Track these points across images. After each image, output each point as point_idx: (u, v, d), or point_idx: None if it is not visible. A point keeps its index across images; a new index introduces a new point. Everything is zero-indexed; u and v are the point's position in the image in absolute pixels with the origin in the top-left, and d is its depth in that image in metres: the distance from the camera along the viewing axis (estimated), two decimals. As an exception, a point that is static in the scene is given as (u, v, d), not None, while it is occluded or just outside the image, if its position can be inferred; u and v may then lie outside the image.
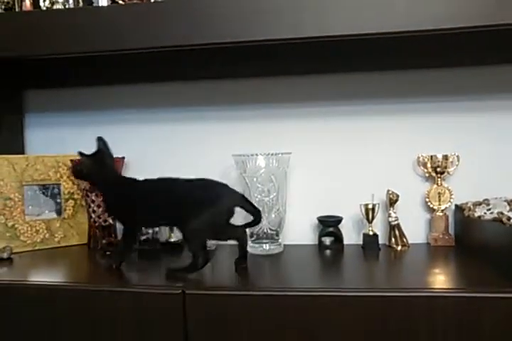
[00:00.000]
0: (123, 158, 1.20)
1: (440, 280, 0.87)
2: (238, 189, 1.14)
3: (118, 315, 0.82)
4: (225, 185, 0.92)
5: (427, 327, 0.75)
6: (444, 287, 0.82)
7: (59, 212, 1.19)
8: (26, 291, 0.87)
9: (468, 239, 1.04)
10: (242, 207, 0.91)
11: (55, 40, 0.91)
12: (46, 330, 0.85)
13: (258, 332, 0.79)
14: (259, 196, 1.06)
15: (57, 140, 1.29)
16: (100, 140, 0.98)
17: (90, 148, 1.14)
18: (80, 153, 0.97)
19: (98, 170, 0.96)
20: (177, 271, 0.90)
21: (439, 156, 1.11)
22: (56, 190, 1.19)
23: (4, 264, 1.03)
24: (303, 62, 1.07)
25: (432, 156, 1.11)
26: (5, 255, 1.05)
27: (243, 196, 0.93)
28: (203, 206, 0.87)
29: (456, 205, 1.11)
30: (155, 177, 1.20)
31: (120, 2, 0.97)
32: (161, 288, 0.83)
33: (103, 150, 0.98)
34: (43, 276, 0.95)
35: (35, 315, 0.85)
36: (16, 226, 1.13)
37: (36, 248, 1.15)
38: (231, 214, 0.90)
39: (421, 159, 1.14)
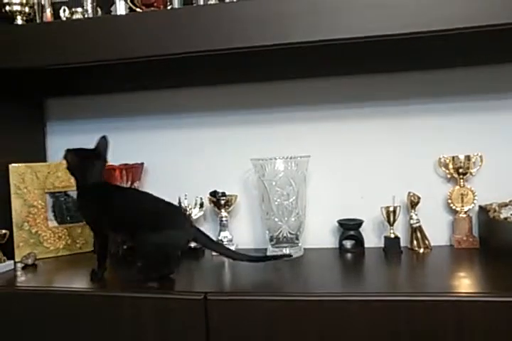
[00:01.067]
0: (142, 163, 1.21)
1: (466, 283, 0.85)
2: (257, 193, 1.15)
3: (140, 321, 0.82)
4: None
5: (455, 333, 0.73)
6: (471, 291, 0.80)
7: (80, 219, 1.20)
8: (50, 297, 0.88)
9: (494, 241, 1.02)
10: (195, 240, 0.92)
11: (75, 49, 0.92)
12: (69, 336, 0.86)
13: (280, 337, 0.78)
14: (278, 200, 1.05)
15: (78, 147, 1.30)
16: (103, 139, 0.96)
17: (109, 155, 1.15)
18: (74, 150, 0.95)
19: (84, 167, 0.93)
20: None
21: (461, 157, 1.08)
22: (77, 197, 1.20)
23: (29, 270, 1.05)
24: (320, 64, 1.06)
25: (453, 157, 1.09)
26: (29, 261, 1.07)
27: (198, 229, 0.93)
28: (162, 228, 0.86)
29: (480, 206, 1.09)
30: (174, 182, 1.23)
31: (138, 10, 0.98)
32: (183, 293, 0.83)
33: (98, 150, 0.95)
34: (67, 282, 0.96)
35: (58, 320, 0.86)
36: (40, 232, 1.15)
37: (59, 254, 1.16)
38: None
39: (442, 160, 1.12)
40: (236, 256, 0.93)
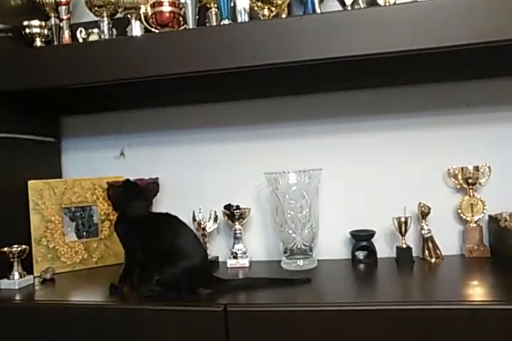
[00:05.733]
0: (157, 178, 1.23)
1: (479, 292, 0.87)
2: (270, 206, 1.17)
3: (161, 333, 0.84)
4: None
5: (472, 341, 0.74)
6: (486, 299, 0.81)
7: (96, 233, 1.23)
8: (71, 311, 0.90)
9: (505, 249, 1.03)
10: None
11: (93, 70, 0.96)
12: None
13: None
14: (291, 212, 1.07)
15: (92, 163, 1.33)
16: (154, 183, 1.03)
17: (124, 170, 1.18)
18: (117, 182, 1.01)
19: (124, 202, 0.99)
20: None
21: (470, 168, 1.10)
22: (93, 212, 1.23)
23: (48, 285, 1.07)
24: (330, 79, 1.09)
25: (462, 168, 1.11)
26: (48, 276, 1.09)
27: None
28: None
29: (490, 216, 1.10)
30: (188, 196, 1.25)
31: (153, 30, 1.01)
32: (203, 305, 0.84)
33: (142, 188, 1.01)
34: (86, 296, 0.98)
35: (79, 334, 0.88)
36: (57, 247, 1.17)
37: (76, 268, 1.18)
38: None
39: (451, 171, 1.14)
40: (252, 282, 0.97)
